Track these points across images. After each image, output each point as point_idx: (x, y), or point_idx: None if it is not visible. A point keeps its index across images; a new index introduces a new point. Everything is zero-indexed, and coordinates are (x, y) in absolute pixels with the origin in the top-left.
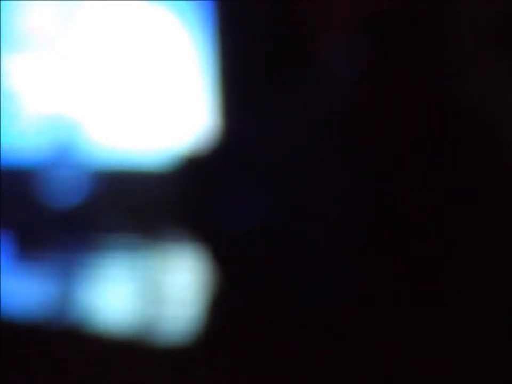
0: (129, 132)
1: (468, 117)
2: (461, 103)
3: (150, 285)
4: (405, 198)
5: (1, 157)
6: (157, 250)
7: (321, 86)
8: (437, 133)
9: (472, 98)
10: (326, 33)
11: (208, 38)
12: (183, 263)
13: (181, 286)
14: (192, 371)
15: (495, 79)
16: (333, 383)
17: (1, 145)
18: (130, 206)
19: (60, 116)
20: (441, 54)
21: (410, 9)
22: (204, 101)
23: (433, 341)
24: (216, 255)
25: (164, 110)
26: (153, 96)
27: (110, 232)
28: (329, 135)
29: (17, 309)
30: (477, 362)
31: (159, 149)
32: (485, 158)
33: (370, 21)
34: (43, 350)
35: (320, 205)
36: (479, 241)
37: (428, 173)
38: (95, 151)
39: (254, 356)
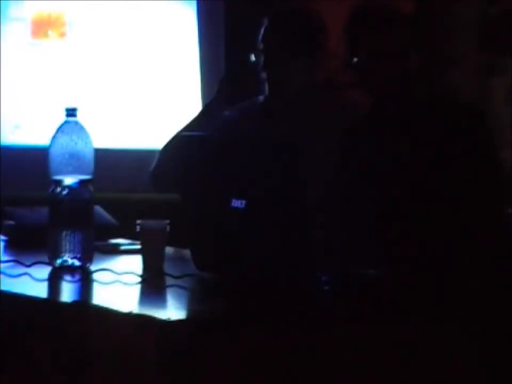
0: (129, 130)
1: (467, 117)
2: (460, 103)
3: (150, 284)
4: (404, 198)
5: (1, 156)
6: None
7: (321, 85)
8: (436, 133)
9: (472, 99)
10: (326, 33)
11: (209, 38)
12: (181, 261)
13: (179, 283)
14: (191, 370)
15: (494, 79)
16: (333, 382)
17: (1, 143)
18: (130, 205)
19: (60, 115)
20: (440, 54)
21: (410, 10)
22: (203, 100)
23: (433, 340)
24: (215, 253)
25: (164, 109)
26: (152, 96)
27: (112, 232)
28: (329, 134)
29: (17, 308)
30: (477, 362)
31: (159, 147)
32: (485, 158)
33: (370, 22)
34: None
35: (320, 203)
36: (479, 241)
37: (428, 173)
38: (95, 150)
39: (254, 356)
